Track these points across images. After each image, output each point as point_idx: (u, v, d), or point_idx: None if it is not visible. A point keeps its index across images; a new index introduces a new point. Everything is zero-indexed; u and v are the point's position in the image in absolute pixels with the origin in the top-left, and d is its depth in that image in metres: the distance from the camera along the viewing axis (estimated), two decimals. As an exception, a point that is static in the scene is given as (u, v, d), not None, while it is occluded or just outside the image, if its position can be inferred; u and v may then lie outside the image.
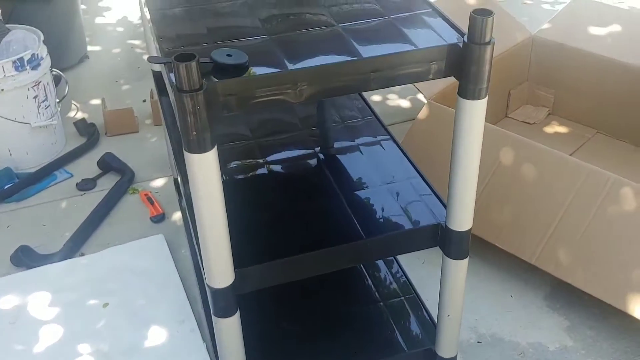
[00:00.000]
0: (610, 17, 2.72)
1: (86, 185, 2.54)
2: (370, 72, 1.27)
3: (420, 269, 2.11)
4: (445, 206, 1.61)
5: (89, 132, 2.82)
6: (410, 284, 1.94)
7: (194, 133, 1.18)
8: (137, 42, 3.68)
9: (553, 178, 2.02)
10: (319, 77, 1.24)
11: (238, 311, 1.43)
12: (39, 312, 1.97)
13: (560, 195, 2.00)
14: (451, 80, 1.32)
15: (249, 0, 1.53)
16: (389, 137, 1.90)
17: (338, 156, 1.83)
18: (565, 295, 2.03)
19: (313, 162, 1.80)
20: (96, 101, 3.10)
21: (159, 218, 2.37)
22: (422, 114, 2.33)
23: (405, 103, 3.11)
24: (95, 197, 2.49)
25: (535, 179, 2.06)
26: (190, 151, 1.20)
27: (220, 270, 1.37)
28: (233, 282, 1.39)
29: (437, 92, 2.36)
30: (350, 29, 1.39)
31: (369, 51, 1.29)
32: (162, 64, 1.28)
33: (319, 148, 1.85)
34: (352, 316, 1.88)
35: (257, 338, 1.69)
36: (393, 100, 3.14)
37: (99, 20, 3.95)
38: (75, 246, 2.23)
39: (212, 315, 1.43)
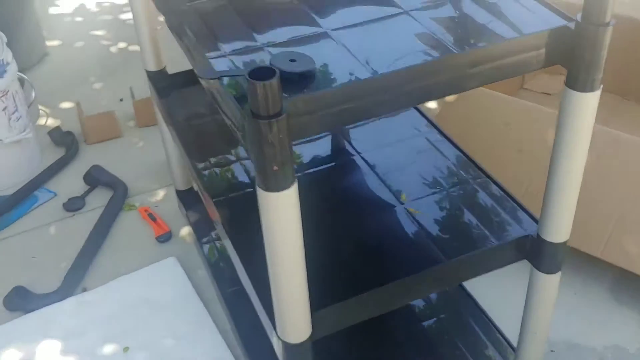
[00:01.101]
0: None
1: (74, 204, 2.24)
2: (470, 68, 1.03)
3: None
4: (525, 211, 1.41)
5: (66, 142, 2.51)
6: (474, 300, 1.74)
7: (275, 168, 0.93)
8: (100, 32, 3.33)
9: (609, 160, 1.83)
10: (414, 79, 1.00)
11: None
12: (48, 366, 1.70)
13: (619, 179, 1.81)
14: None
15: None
16: (434, 128, 1.67)
17: (383, 157, 1.59)
18: (632, 287, 1.85)
19: (357, 167, 1.56)
20: (67, 104, 2.77)
21: (166, 237, 2.10)
22: (452, 95, 2.11)
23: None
24: (87, 218, 2.19)
25: (592, 163, 1.86)
26: (269, 189, 0.95)
27: (298, 324, 1.13)
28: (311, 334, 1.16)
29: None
30: (427, 15, 1.14)
31: (462, 42, 1.06)
32: (212, 79, 1.01)
33: (357, 149, 1.61)
34: (417, 339, 1.67)
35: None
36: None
37: (52, 10, 3.56)
38: (75, 280, 1.95)
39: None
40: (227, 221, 1.42)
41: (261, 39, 1.12)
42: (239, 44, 1.11)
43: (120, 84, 2.86)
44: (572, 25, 1.05)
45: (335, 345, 1.57)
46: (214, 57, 1.08)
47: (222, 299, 1.79)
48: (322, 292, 1.18)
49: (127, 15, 3.46)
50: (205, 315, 1.78)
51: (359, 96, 0.97)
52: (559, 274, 1.37)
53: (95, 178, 2.31)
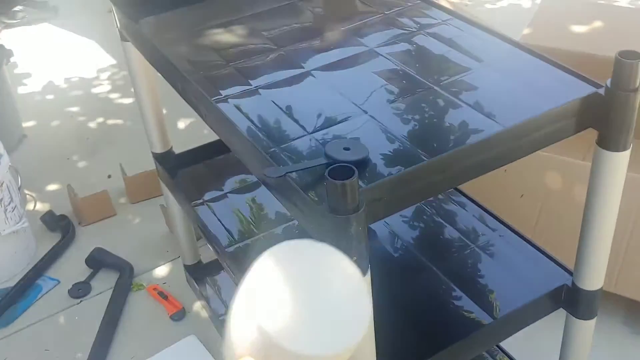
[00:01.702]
0: (584, 13, 2.66)
1: (80, 290, 2.21)
2: (518, 140, 1.08)
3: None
4: (556, 262, 1.46)
5: (61, 227, 2.47)
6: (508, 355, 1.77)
7: (354, 258, 0.95)
8: (74, 108, 3.32)
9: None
10: (467, 157, 1.04)
11: None
12: None
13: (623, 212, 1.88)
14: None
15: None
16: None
17: (415, 225, 1.62)
18: (644, 316, 1.92)
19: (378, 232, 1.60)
20: (53, 186, 2.74)
21: (180, 314, 2.09)
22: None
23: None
24: (95, 303, 2.16)
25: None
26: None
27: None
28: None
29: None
30: (456, 90, 1.20)
31: (504, 118, 1.11)
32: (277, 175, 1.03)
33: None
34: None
35: None
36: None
37: (22, 89, 3.53)
38: (95, 370, 1.91)
39: None
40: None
41: (255, 82, 1.29)
42: (237, 89, 1.28)
43: (105, 160, 2.85)
44: (601, 91, 1.11)
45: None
46: (218, 102, 1.25)
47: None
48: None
49: (99, 89, 3.46)
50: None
51: (421, 177, 1.01)
52: (594, 319, 1.42)
53: (99, 260, 2.29)
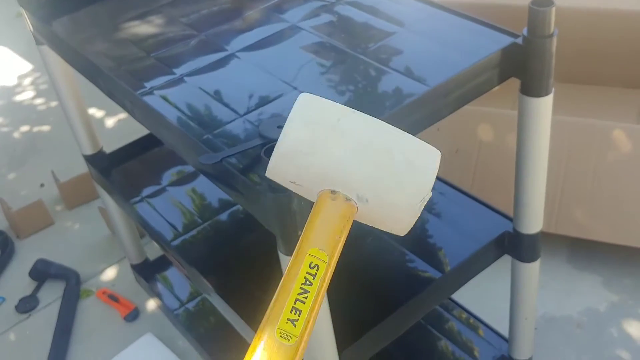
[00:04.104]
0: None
1: (27, 305, 2.15)
2: (444, 98, 1.11)
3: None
4: (496, 211, 1.50)
5: (-1, 242, 2.40)
6: (455, 302, 1.82)
7: (300, 233, 0.96)
8: (-5, 119, 3.20)
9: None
10: (399, 120, 1.05)
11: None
12: None
13: (554, 156, 1.95)
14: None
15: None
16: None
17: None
18: (585, 253, 2.00)
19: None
20: (-16, 203, 2.65)
21: (133, 314, 2.06)
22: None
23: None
24: (45, 316, 2.11)
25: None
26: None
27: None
28: (345, 378, 1.19)
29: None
30: (383, 57, 1.21)
31: (430, 78, 1.13)
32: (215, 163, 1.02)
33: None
34: (408, 351, 1.72)
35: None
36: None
37: (-63, 108, 3.38)
38: (55, 382, 1.88)
39: None
40: (218, 286, 1.42)
41: (178, 71, 1.27)
42: (161, 80, 1.25)
43: (35, 170, 2.77)
44: (519, 40, 1.14)
45: None
46: (143, 95, 1.22)
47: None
48: (342, 334, 1.21)
49: (22, 97, 3.34)
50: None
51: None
52: (538, 260, 1.47)
53: (43, 272, 2.23)
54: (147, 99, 1.21)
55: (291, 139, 0.69)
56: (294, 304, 0.62)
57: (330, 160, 0.69)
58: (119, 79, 1.28)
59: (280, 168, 0.70)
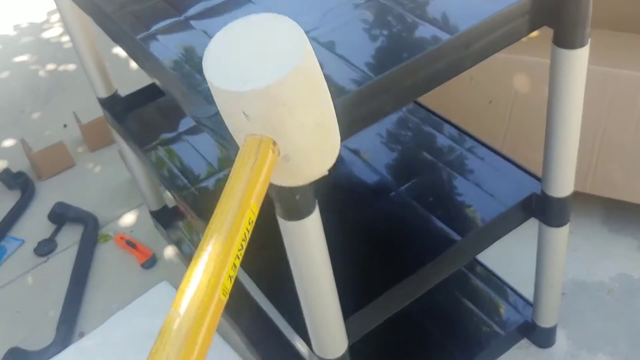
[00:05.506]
0: None
1: (45, 248, 2.14)
2: (462, 50, 1.00)
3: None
4: (526, 171, 1.40)
5: (19, 183, 2.38)
6: (481, 264, 1.73)
7: (298, 197, 0.88)
8: (24, 57, 3.16)
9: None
10: (415, 71, 0.96)
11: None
12: None
13: (592, 110, 1.82)
14: None
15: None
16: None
17: (371, 142, 1.55)
18: (623, 215, 1.88)
19: (343, 158, 1.52)
20: (8, 142, 2.63)
21: (151, 262, 2.03)
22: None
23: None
24: (62, 259, 2.10)
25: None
26: (292, 218, 0.92)
27: (336, 338, 1.11)
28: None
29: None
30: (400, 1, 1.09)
31: (448, 25, 1.02)
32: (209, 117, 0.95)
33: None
34: (432, 312, 1.65)
35: None
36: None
37: (-35, 41, 3.36)
38: (69, 327, 1.86)
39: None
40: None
41: (184, 13, 1.19)
42: (164, 23, 1.17)
43: (59, 110, 2.73)
44: (555, -16, 1.02)
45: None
46: (144, 39, 1.13)
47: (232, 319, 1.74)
48: (349, 300, 1.15)
49: (50, 33, 3.28)
50: (217, 337, 1.73)
51: (365, 102, 0.93)
52: (567, 225, 1.37)
53: (62, 215, 2.21)
54: (146, 43, 1.13)
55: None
56: (235, 259, 0.59)
57: (306, 117, 0.69)
58: (121, 21, 1.20)
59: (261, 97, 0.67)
